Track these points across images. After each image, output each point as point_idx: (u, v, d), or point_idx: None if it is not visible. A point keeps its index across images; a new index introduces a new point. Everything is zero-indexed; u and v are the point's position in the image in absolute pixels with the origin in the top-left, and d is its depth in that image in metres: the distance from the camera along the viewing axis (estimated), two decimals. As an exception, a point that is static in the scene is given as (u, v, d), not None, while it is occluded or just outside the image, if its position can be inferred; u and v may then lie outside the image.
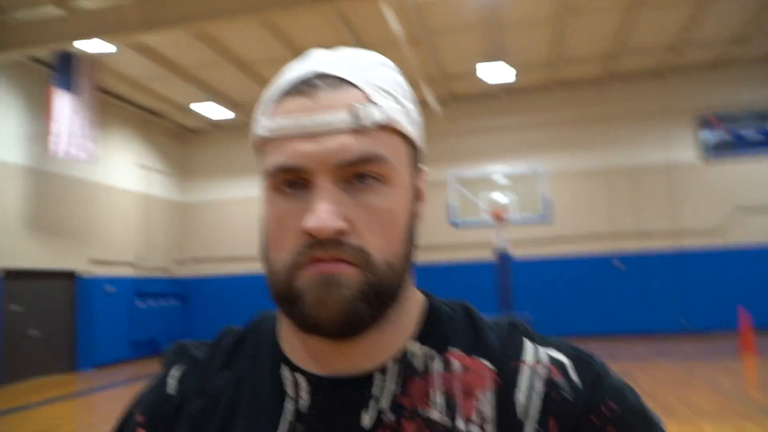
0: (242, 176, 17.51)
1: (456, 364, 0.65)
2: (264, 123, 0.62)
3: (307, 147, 0.58)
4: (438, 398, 0.63)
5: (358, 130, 0.59)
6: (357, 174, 0.60)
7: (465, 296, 0.78)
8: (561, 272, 15.54)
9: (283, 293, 0.60)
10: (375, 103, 0.61)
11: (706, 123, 15.16)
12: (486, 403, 0.63)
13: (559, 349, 0.68)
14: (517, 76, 14.31)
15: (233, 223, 17.39)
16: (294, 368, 0.66)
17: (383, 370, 0.64)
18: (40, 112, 12.64)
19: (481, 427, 0.62)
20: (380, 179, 0.61)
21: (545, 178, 12.79)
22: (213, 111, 15.53)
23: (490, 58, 12.93)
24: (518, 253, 15.09)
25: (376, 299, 0.60)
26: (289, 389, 0.64)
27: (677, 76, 15.37)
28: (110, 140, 15.01)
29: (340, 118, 0.58)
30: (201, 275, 17.64)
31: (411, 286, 0.70)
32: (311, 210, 0.58)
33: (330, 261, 0.58)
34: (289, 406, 0.64)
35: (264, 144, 0.63)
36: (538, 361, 0.66)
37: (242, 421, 0.65)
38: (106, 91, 14.49)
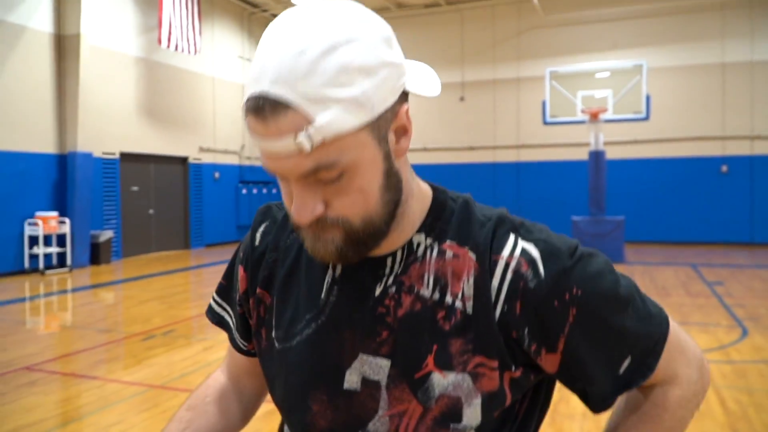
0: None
1: (449, 253, 0.79)
2: (249, 130, 0.71)
3: (271, 164, 0.71)
4: (431, 279, 0.79)
5: (300, 154, 0.67)
6: (320, 177, 0.70)
7: (557, 196, 0.89)
8: (658, 174, 14.94)
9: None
10: (315, 124, 0.65)
11: None
12: (468, 285, 0.77)
13: (536, 244, 0.77)
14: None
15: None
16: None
17: (393, 256, 0.81)
18: (151, 5, 13.15)
19: (463, 303, 0.77)
20: (340, 177, 0.70)
21: (647, 74, 12.04)
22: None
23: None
24: (615, 153, 14.62)
25: (361, 245, 0.75)
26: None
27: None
28: (214, 33, 15.47)
29: (286, 145, 0.66)
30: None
31: (418, 185, 0.84)
32: (296, 200, 0.72)
33: (315, 230, 0.74)
34: (329, 271, 0.84)
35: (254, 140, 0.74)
36: (512, 256, 0.77)
37: (301, 274, 0.87)
38: (208, -18, 14.78)
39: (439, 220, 0.82)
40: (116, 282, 10.25)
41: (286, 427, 0.91)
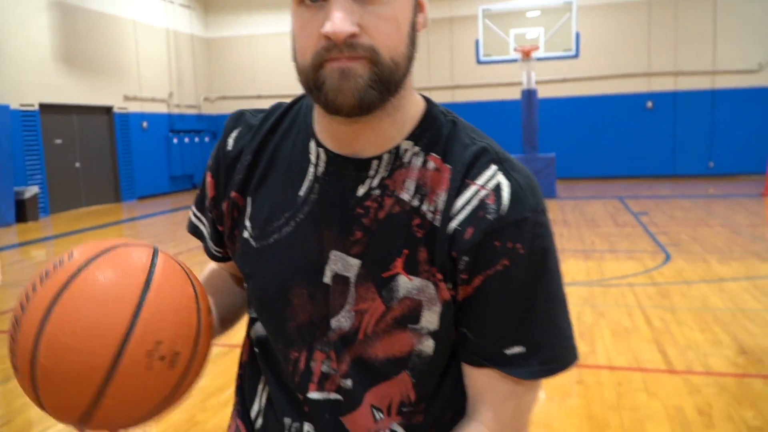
0: (268, 10, 17.06)
1: (431, 164, 0.82)
2: None
3: None
4: (413, 186, 0.81)
5: None
6: None
7: (492, 135, 0.91)
8: (588, 111, 15.35)
9: (310, 85, 0.76)
10: None
11: (761, -49, 14.04)
12: (441, 200, 0.80)
13: (511, 184, 0.79)
14: None
15: (258, 60, 17.28)
16: (318, 144, 0.85)
17: (380, 159, 0.82)
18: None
19: (434, 214, 0.80)
20: (380, 3, 0.73)
21: (577, 12, 12.20)
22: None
23: None
24: (547, 92, 14.89)
25: (383, 87, 0.75)
26: (313, 158, 0.85)
27: None
28: (132, -28, 14.62)
29: None
30: (228, 111, 17.85)
31: (412, 92, 0.85)
32: (328, 17, 0.71)
33: (344, 59, 0.72)
34: (311, 170, 0.85)
35: None
36: (484, 185, 0.79)
37: (278, 172, 0.87)
38: None
39: (429, 132, 0.84)
40: (46, 239, 9.89)
41: (254, 330, 0.94)
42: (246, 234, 0.89)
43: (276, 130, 0.90)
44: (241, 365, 1.00)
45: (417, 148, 0.83)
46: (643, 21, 14.92)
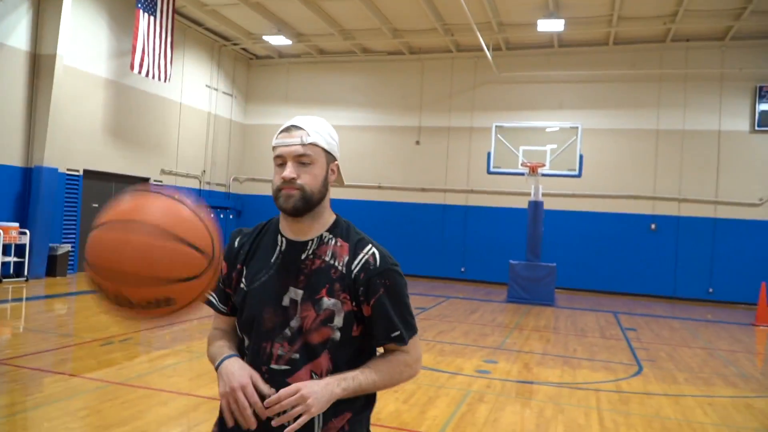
0: (302, 104, 18.46)
1: (338, 243, 1.61)
2: (275, 140, 1.59)
3: (284, 150, 1.56)
4: (330, 253, 1.60)
5: (302, 144, 1.55)
6: (301, 160, 1.55)
7: (499, 240, 1.77)
8: (593, 226, 16.08)
9: (276, 201, 1.58)
10: (309, 135, 1.56)
11: (764, 94, 15.13)
12: (345, 261, 1.58)
13: (380, 252, 1.62)
14: (573, 29, 14.58)
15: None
16: (281, 234, 1.64)
17: (312, 240, 1.60)
18: (125, 31, 13.77)
19: (342, 267, 1.57)
20: (309, 162, 1.56)
21: (586, 135, 13.21)
22: (277, 40, 16.41)
23: (549, 13, 13.27)
24: (555, 204, 15.73)
25: (307, 203, 1.55)
26: (279, 241, 1.63)
27: (739, 44, 15.24)
28: (185, 61, 16.15)
29: (295, 141, 1.55)
30: (254, 192, 19.05)
31: (329, 209, 1.66)
32: (286, 171, 1.55)
33: (289, 189, 1.54)
34: (278, 248, 1.62)
35: (274, 148, 1.60)
36: (367, 252, 1.60)
37: (261, 252, 1.65)
38: (183, 15, 15.51)
39: (336, 228, 1.67)
40: (72, 294, 10.62)
41: (246, 343, 1.65)
42: (242, 285, 1.65)
43: (260, 234, 1.70)
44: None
45: (330, 235, 1.64)
46: (651, 148, 15.90)
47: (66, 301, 9.98)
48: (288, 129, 1.59)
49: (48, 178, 11.87)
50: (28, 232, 11.49)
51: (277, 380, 1.53)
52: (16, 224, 11.35)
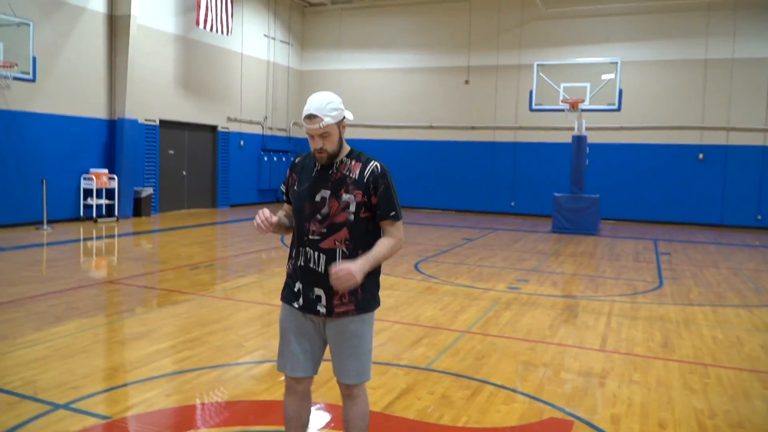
0: (354, 49, 19.19)
1: (353, 163, 2.54)
2: (304, 123, 2.52)
3: (311, 130, 2.43)
4: (347, 168, 2.56)
5: (320, 127, 2.41)
6: (322, 135, 2.45)
7: (545, 174, 2.73)
8: (642, 159, 16.46)
9: (314, 157, 2.59)
10: (323, 120, 2.42)
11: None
12: (358, 172, 2.50)
13: (380, 164, 2.53)
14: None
15: (344, 92, 19.35)
16: (316, 161, 2.57)
17: (336, 163, 2.53)
18: (188, -12, 14.77)
19: (356, 175, 2.49)
20: (328, 134, 2.45)
21: (630, 68, 13.52)
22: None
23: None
24: (599, 138, 16.15)
25: (332, 158, 2.52)
26: (316, 165, 2.56)
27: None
28: (244, 14, 17.10)
29: (315, 126, 2.42)
30: (316, 137, 20.10)
31: (345, 146, 2.56)
32: (315, 143, 2.48)
33: (320, 153, 2.47)
34: (315, 168, 2.57)
35: (305, 128, 2.54)
36: (372, 165, 2.51)
37: (306, 170, 2.62)
38: (240, -32, 16.37)
39: (351, 155, 2.59)
40: (156, 230, 12.10)
41: (295, 235, 2.67)
42: (295, 187, 2.64)
43: (307, 158, 2.68)
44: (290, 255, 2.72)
45: (348, 159, 2.58)
46: (699, 77, 15.98)
47: (152, 237, 11.43)
48: (309, 117, 2.41)
49: (129, 128, 13.25)
50: (116, 177, 12.98)
51: (313, 245, 2.54)
52: (106, 170, 12.84)
